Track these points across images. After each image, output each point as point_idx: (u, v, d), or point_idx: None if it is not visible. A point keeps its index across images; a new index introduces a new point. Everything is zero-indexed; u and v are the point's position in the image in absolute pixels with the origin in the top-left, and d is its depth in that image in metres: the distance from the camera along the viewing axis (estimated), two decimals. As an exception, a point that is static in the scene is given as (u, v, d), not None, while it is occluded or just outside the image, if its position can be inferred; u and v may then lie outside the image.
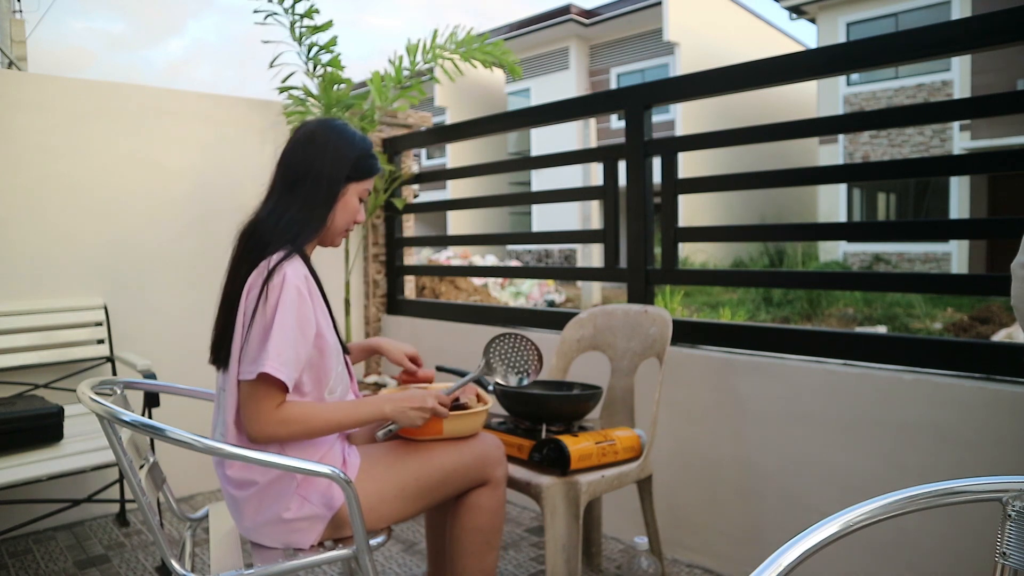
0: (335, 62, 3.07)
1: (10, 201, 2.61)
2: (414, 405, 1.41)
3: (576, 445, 1.70)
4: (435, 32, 3.24)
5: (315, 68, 3.11)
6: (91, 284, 2.78)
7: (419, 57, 3.23)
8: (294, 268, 1.33)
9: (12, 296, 2.60)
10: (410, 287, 3.69)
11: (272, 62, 3.12)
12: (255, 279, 1.33)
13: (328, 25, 3.04)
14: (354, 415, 1.38)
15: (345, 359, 1.52)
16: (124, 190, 2.86)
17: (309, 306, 1.34)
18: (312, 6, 3.02)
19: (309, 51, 3.09)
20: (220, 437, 1.41)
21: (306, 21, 3.04)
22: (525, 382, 1.57)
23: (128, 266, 2.86)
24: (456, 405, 1.56)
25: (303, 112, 3.14)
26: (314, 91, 3.14)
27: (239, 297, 1.35)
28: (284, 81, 3.14)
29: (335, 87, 3.10)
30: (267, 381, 1.28)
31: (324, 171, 1.45)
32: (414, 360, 1.70)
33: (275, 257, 1.33)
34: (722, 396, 2.09)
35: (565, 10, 16.71)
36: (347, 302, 3.22)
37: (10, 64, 7.06)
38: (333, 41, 3.06)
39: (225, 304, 1.39)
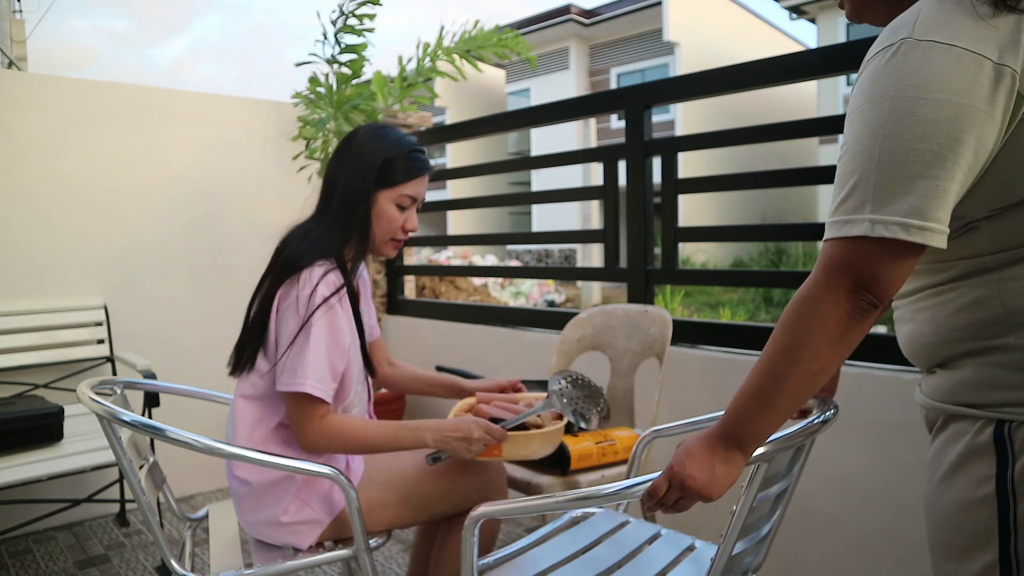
0: (356, 65, 3.06)
1: (10, 201, 2.61)
2: (459, 435, 1.32)
3: (576, 445, 1.70)
4: (441, 29, 3.23)
5: (338, 66, 3.10)
6: (91, 284, 2.78)
7: (423, 53, 3.22)
8: (327, 282, 1.32)
9: (12, 296, 2.60)
10: (410, 287, 3.69)
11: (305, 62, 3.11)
12: (286, 292, 1.32)
13: (364, 31, 3.04)
14: (394, 440, 1.34)
15: (367, 379, 1.51)
16: (124, 190, 2.86)
17: (341, 316, 1.33)
18: (367, 11, 3.01)
19: (336, 45, 3.07)
20: (230, 435, 1.43)
21: (350, 21, 3.03)
22: (581, 424, 1.41)
23: (128, 266, 2.86)
24: (519, 426, 1.43)
25: (314, 107, 3.13)
26: (330, 80, 3.13)
27: (269, 308, 1.34)
28: (303, 63, 3.14)
29: (347, 85, 3.09)
30: (309, 397, 1.29)
31: (350, 183, 1.40)
32: (504, 389, 1.60)
33: (305, 273, 1.32)
34: (722, 396, 2.08)
35: (565, 10, 16.70)
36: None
37: (10, 64, 7.06)
38: (363, 47, 3.05)
39: (254, 314, 1.38)
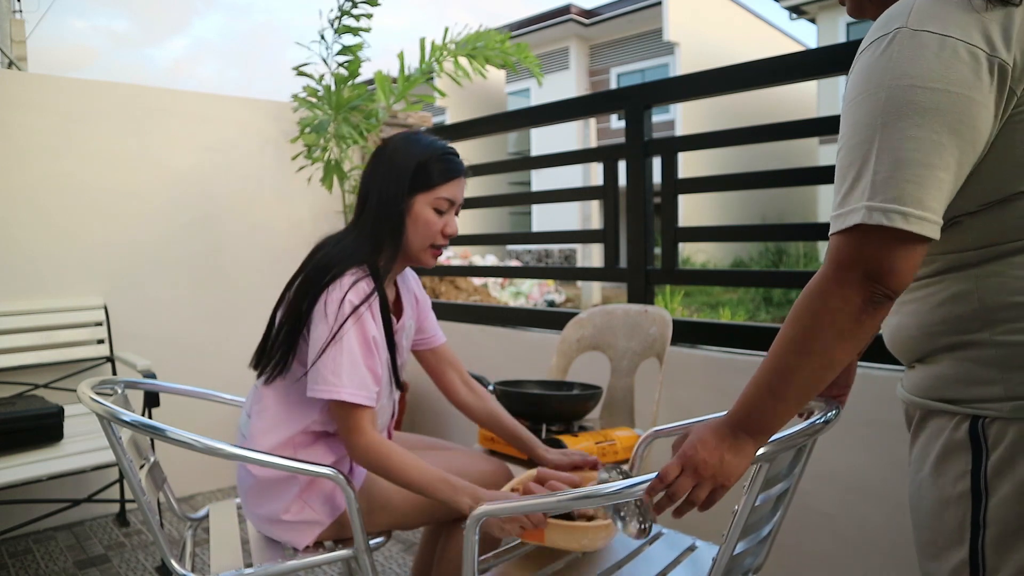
0: (353, 65, 3.06)
1: (10, 201, 2.61)
2: None
3: (576, 445, 1.70)
4: (446, 30, 3.22)
5: (337, 66, 3.09)
6: (91, 284, 2.78)
7: (430, 55, 3.21)
8: (357, 289, 1.30)
9: (12, 296, 2.60)
10: (410, 287, 3.69)
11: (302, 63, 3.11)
12: (315, 297, 1.30)
13: (360, 30, 3.03)
14: (431, 489, 1.27)
15: (393, 395, 1.49)
16: (124, 190, 2.86)
17: (371, 325, 1.32)
18: (365, 10, 3.00)
19: (336, 41, 3.06)
20: (245, 422, 1.44)
21: (347, 20, 3.02)
22: (618, 524, 1.18)
23: (128, 266, 2.86)
24: (565, 515, 1.28)
25: (312, 107, 3.13)
26: (328, 82, 3.11)
27: (298, 313, 1.33)
28: (298, 68, 3.13)
29: (346, 84, 3.09)
30: (348, 404, 1.28)
31: (384, 189, 1.37)
32: (578, 467, 1.49)
33: (335, 280, 1.30)
34: (722, 396, 2.09)
35: (565, 10, 16.70)
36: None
37: (10, 64, 7.06)
38: (359, 47, 3.05)
39: (283, 318, 1.37)
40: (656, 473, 0.91)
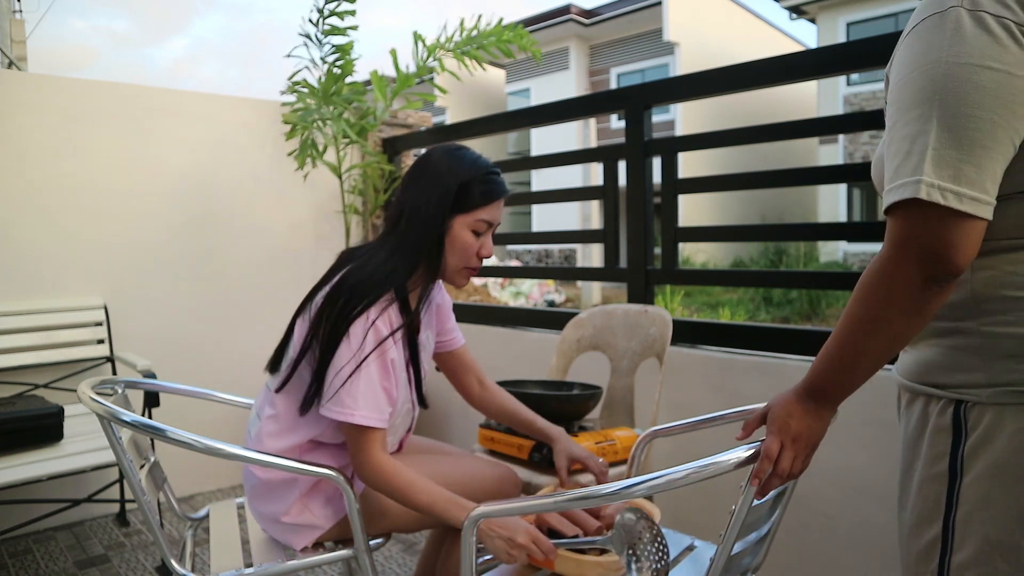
0: (347, 65, 3.05)
1: (10, 201, 2.61)
2: (504, 534, 1.17)
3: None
4: (444, 26, 3.22)
5: (328, 66, 3.09)
6: (91, 284, 2.78)
7: (428, 53, 3.20)
8: (385, 319, 1.28)
9: (12, 296, 2.61)
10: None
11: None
12: (342, 319, 1.27)
13: (347, 29, 3.03)
14: (436, 509, 1.24)
15: (413, 412, 1.49)
16: (124, 190, 2.86)
17: (392, 348, 1.30)
18: (346, 8, 3.00)
19: (323, 47, 3.07)
20: (254, 421, 1.44)
21: (333, 20, 3.02)
22: (634, 570, 1.15)
23: (128, 266, 2.86)
24: (575, 548, 1.25)
25: (303, 108, 3.12)
26: (316, 85, 3.11)
27: (319, 333, 1.29)
28: (291, 77, 3.13)
29: (335, 84, 3.08)
30: (361, 427, 1.27)
31: (422, 208, 1.32)
32: (585, 468, 1.53)
33: (363, 307, 1.26)
34: (722, 396, 2.09)
35: (565, 10, 16.70)
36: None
37: (10, 64, 7.06)
38: (350, 46, 3.04)
39: (307, 334, 1.33)
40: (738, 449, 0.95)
